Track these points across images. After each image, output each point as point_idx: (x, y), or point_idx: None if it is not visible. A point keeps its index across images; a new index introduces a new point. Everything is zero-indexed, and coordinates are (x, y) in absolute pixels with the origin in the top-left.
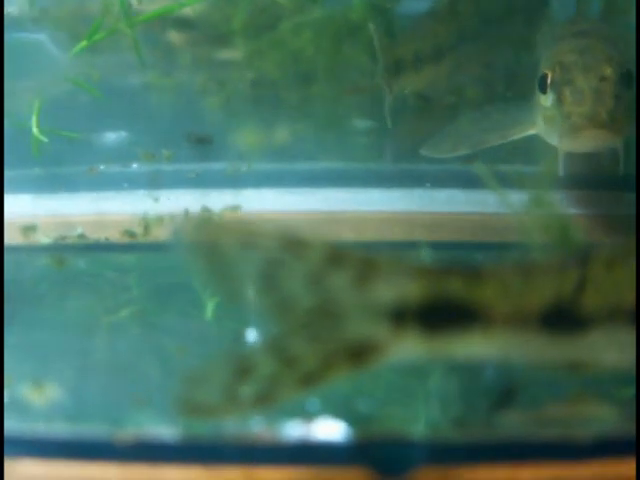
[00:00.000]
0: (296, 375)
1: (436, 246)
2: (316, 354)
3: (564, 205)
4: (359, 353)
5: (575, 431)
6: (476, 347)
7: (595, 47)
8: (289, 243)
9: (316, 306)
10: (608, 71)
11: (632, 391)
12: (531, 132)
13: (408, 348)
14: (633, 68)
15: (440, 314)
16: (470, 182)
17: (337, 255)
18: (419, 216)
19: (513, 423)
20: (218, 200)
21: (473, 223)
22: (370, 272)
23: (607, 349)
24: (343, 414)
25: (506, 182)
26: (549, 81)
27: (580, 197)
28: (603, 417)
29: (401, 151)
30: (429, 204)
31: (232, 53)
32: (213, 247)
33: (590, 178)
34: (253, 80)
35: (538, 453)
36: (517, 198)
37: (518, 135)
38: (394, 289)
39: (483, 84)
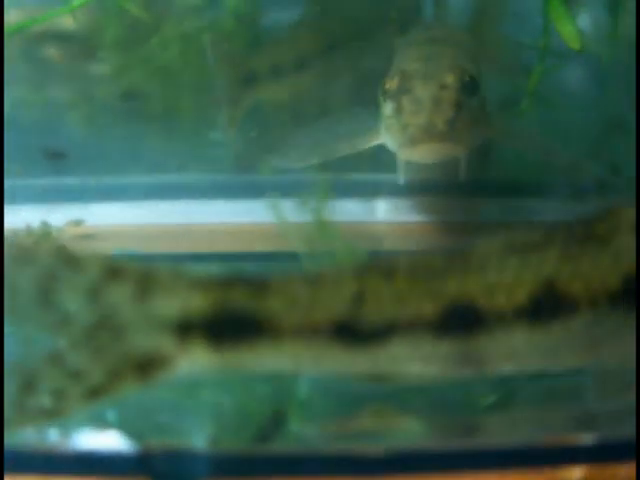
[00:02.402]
0: (82, 388)
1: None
2: (101, 367)
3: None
4: (145, 366)
5: (366, 445)
6: (266, 359)
7: (441, 54)
8: (66, 259)
9: (97, 320)
10: (450, 79)
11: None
12: (379, 141)
13: (196, 360)
14: (478, 75)
15: (226, 326)
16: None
17: (115, 270)
18: (263, 227)
19: (311, 435)
20: (65, 214)
21: None
22: (150, 286)
23: (407, 360)
24: (132, 426)
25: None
26: (388, 89)
27: (420, 204)
28: (407, 429)
29: (253, 162)
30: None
31: (104, 67)
32: None
33: (429, 185)
34: (122, 94)
35: (329, 466)
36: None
37: (367, 144)
38: (177, 302)
39: (352, 94)
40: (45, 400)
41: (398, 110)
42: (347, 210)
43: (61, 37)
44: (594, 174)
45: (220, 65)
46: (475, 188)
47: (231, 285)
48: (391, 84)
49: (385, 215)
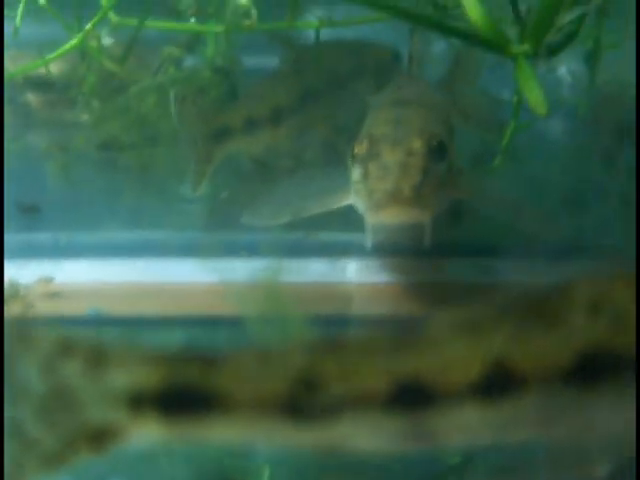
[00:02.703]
0: (37, 457)
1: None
2: (56, 438)
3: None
4: (98, 437)
5: None
6: (217, 433)
7: (410, 118)
8: (19, 336)
9: (51, 393)
10: (417, 144)
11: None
12: (349, 202)
13: (148, 433)
14: (448, 137)
15: (177, 400)
16: (293, 251)
17: (67, 345)
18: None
19: None
20: (36, 271)
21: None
22: (102, 360)
23: (357, 436)
24: None
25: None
26: (357, 154)
27: (389, 264)
28: None
29: (226, 219)
30: (243, 274)
31: (82, 116)
32: None
33: (397, 247)
34: (98, 144)
35: None
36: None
37: (337, 204)
38: (129, 376)
39: (327, 146)
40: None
41: (365, 175)
42: (316, 270)
43: (40, 83)
44: (564, 236)
45: (190, 119)
46: (444, 249)
47: (182, 359)
48: (359, 149)
49: (355, 275)
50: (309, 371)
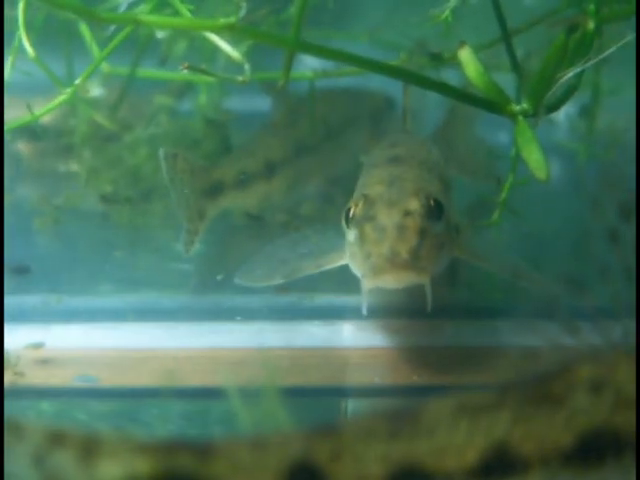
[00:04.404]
0: None
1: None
2: None
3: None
4: None
5: None
6: None
7: (405, 177)
8: (9, 427)
9: None
10: (414, 204)
11: None
12: (344, 262)
13: None
14: (444, 196)
15: None
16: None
17: (58, 436)
18: (226, 352)
19: None
20: (25, 336)
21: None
22: (94, 450)
23: None
24: None
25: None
26: (352, 216)
27: (385, 327)
28: None
29: (217, 278)
30: (238, 338)
31: (74, 166)
32: None
33: (394, 309)
34: (101, 196)
35: None
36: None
37: (332, 265)
38: (120, 466)
39: (323, 198)
40: None
41: (362, 238)
42: (311, 333)
43: (30, 132)
44: (562, 296)
45: (182, 176)
46: (442, 309)
47: (175, 449)
48: (355, 210)
49: (350, 339)
50: (305, 459)
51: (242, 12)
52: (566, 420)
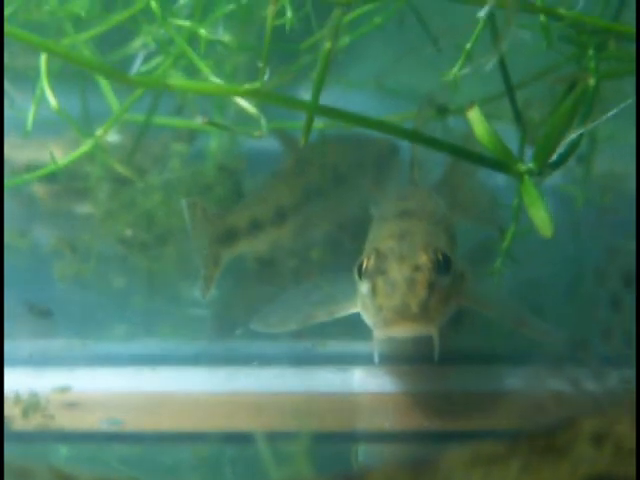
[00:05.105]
0: None
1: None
2: None
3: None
4: None
5: None
6: None
7: (414, 231)
8: (19, 473)
9: None
10: (423, 259)
11: None
12: (356, 310)
13: None
14: (451, 249)
15: None
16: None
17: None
18: (244, 397)
19: None
20: (52, 379)
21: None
22: None
23: None
24: None
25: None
26: (364, 269)
27: (395, 373)
28: None
29: (232, 324)
30: (254, 383)
31: (89, 209)
32: None
33: (404, 357)
34: (106, 241)
35: None
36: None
37: (344, 312)
38: None
39: (332, 244)
40: None
41: (374, 291)
42: (323, 379)
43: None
44: (564, 344)
45: (201, 224)
46: (448, 356)
47: None
48: (367, 263)
49: (362, 385)
50: None
51: (266, 77)
52: (570, 469)
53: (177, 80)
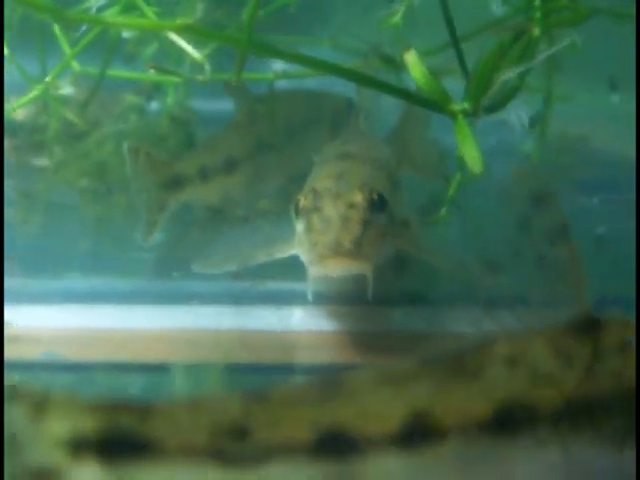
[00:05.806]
0: None
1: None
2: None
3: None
4: (43, 478)
5: None
6: (152, 476)
7: (352, 172)
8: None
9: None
10: (358, 198)
11: None
12: (295, 252)
13: (88, 476)
14: (389, 190)
15: (115, 446)
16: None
17: (13, 392)
18: (181, 334)
19: None
20: None
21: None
22: (44, 407)
23: None
24: None
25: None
26: (301, 208)
27: (332, 313)
28: None
29: (175, 267)
30: (193, 320)
31: (45, 161)
32: None
33: (338, 297)
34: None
35: None
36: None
37: (284, 254)
38: (68, 423)
39: (281, 196)
40: None
41: (308, 228)
42: (262, 317)
43: (6, 128)
44: (503, 289)
45: (143, 169)
46: (388, 298)
47: (120, 408)
48: (303, 202)
49: (300, 323)
50: (237, 420)
51: (199, 13)
52: (483, 392)
53: (112, 17)
